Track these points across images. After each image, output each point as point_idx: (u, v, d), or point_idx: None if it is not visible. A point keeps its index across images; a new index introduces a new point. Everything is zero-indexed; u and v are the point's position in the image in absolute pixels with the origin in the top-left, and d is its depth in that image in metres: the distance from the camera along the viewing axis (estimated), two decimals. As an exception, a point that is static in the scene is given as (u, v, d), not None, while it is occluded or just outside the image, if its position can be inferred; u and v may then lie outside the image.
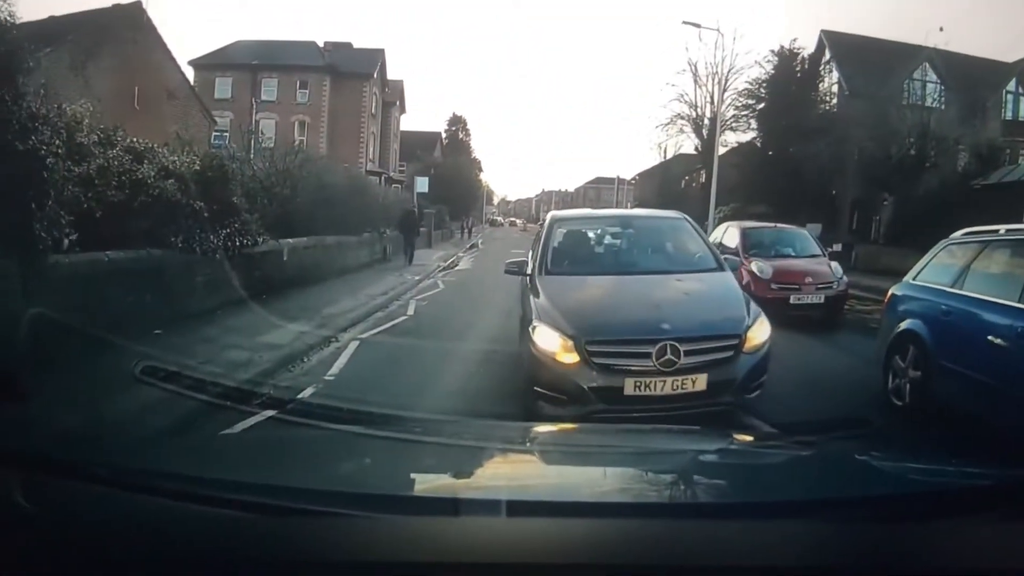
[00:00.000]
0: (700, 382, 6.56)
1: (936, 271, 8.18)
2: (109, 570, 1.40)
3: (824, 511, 1.82)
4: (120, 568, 1.41)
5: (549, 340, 6.78)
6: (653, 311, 7.03)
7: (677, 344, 6.51)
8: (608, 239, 9.52)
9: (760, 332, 7.06)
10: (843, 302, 14.53)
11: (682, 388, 6.52)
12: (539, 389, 6.75)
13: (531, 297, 7.72)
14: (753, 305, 7.43)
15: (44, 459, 1.94)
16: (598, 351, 6.59)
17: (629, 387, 6.49)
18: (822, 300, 14.02)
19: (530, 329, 7.05)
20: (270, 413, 3.95)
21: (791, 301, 13.86)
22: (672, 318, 6.82)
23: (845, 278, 14.69)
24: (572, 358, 6.62)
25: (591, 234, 9.64)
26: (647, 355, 6.49)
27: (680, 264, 8.53)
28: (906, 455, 3.13)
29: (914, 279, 8.53)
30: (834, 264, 15.04)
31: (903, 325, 8.08)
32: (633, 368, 6.53)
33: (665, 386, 6.50)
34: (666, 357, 6.47)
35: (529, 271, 8.48)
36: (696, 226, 9.57)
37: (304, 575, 1.40)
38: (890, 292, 8.91)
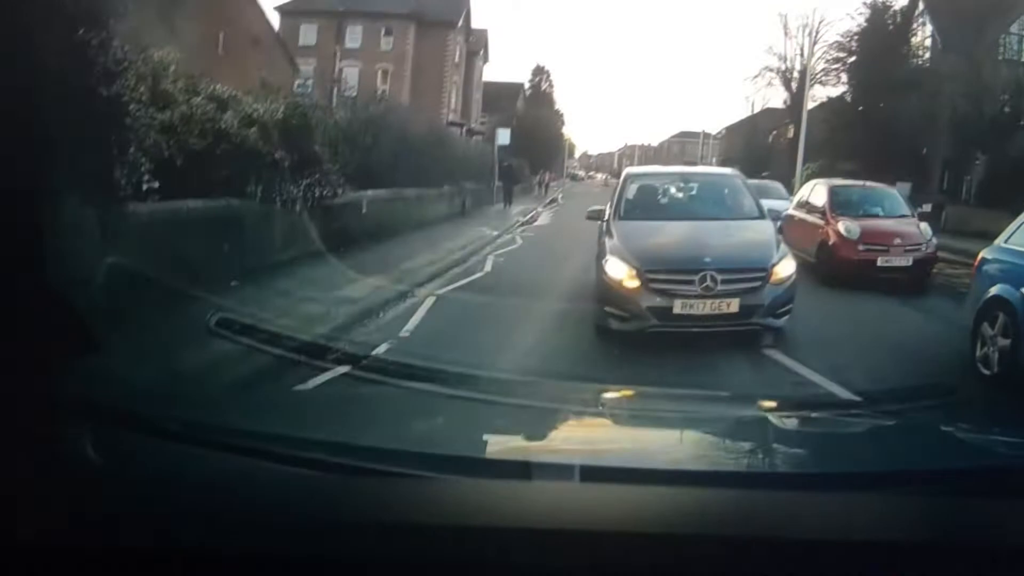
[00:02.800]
0: (733, 305, 8.43)
1: (1029, 235, 7.90)
2: (178, 525, 1.38)
3: (906, 483, 1.77)
4: (189, 523, 1.39)
5: (618, 270, 8.74)
6: (699, 248, 8.85)
7: (715, 274, 8.38)
8: (672, 191, 11.40)
9: (784, 268, 8.87)
10: (932, 265, 14.12)
11: (719, 309, 8.43)
12: (608, 309, 8.75)
13: (606, 238, 9.64)
14: (783, 247, 9.42)
15: (117, 412, 1.93)
16: (654, 278, 8.54)
17: (678, 307, 8.42)
18: (910, 263, 13.62)
19: (603, 262, 9.06)
20: (344, 369, 3.89)
21: (878, 263, 13.52)
22: (713, 254, 8.69)
23: (934, 240, 14.24)
24: (634, 283, 8.57)
25: (658, 187, 11.52)
26: (691, 282, 8.39)
27: (728, 212, 10.45)
28: (992, 426, 3.07)
29: (1006, 242, 8.29)
30: (923, 225, 14.59)
31: (993, 291, 7.87)
32: (680, 292, 8.43)
33: (705, 307, 8.41)
34: (706, 284, 8.35)
35: (606, 217, 10.42)
36: (746, 181, 11.66)
37: (373, 536, 1.37)
38: (980, 256, 8.66)
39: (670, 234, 9.51)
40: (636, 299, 8.52)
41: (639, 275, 8.55)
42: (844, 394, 6.17)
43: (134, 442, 1.85)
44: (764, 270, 8.68)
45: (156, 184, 8.50)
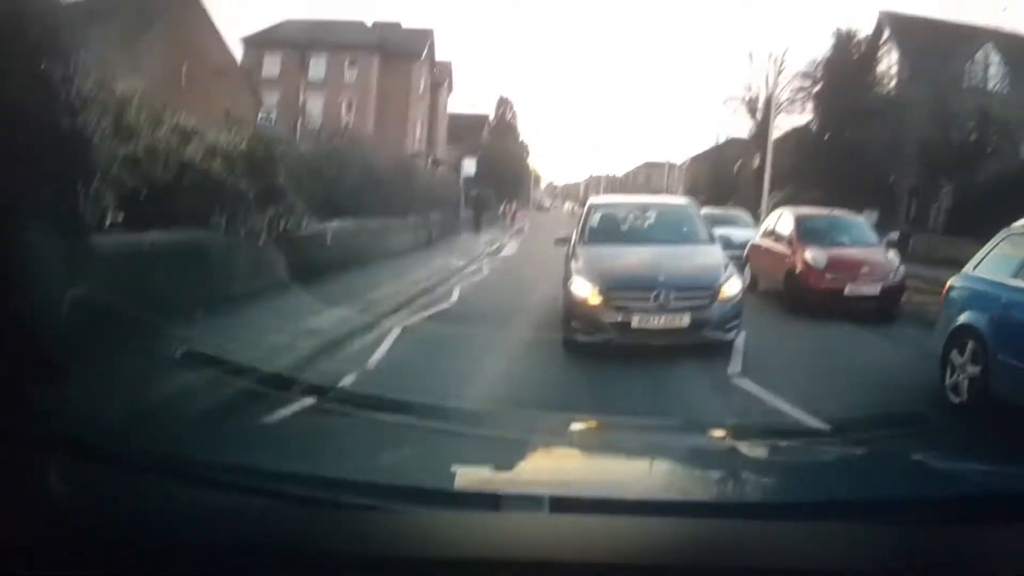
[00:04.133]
0: (685, 319, 9.50)
1: (997, 262, 8.05)
2: (143, 557, 1.39)
3: (876, 512, 1.77)
4: (155, 555, 1.39)
5: (582, 288, 9.82)
6: (654, 269, 9.92)
7: (669, 292, 9.48)
8: (631, 219, 12.31)
9: (731, 287, 9.96)
10: (900, 293, 14.23)
11: (672, 324, 9.48)
12: (574, 324, 9.81)
13: (572, 261, 10.77)
14: (731, 267, 10.50)
15: (82, 444, 1.92)
16: (614, 295, 9.61)
17: (635, 321, 9.47)
18: (878, 291, 13.76)
19: (569, 282, 10.14)
20: (311, 401, 3.87)
21: (846, 292, 13.65)
22: (666, 274, 9.75)
23: (902, 268, 14.38)
24: (597, 300, 9.62)
25: (619, 215, 12.57)
26: (647, 299, 9.48)
27: (681, 238, 11.62)
28: (963, 455, 3.11)
29: (973, 270, 8.40)
30: (891, 253, 14.74)
31: (961, 318, 7.95)
32: (638, 308, 9.48)
33: (660, 321, 9.47)
34: (660, 301, 9.45)
35: (572, 242, 11.63)
36: (697, 210, 13.33)
37: (341, 568, 1.38)
38: (948, 284, 8.75)
39: (629, 257, 10.66)
40: (599, 315, 9.58)
41: (601, 293, 9.64)
42: (813, 422, 6.20)
43: (99, 474, 1.84)
44: (712, 289, 9.81)
45: (120, 216, 8.46)
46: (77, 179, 7.36)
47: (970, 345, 7.66)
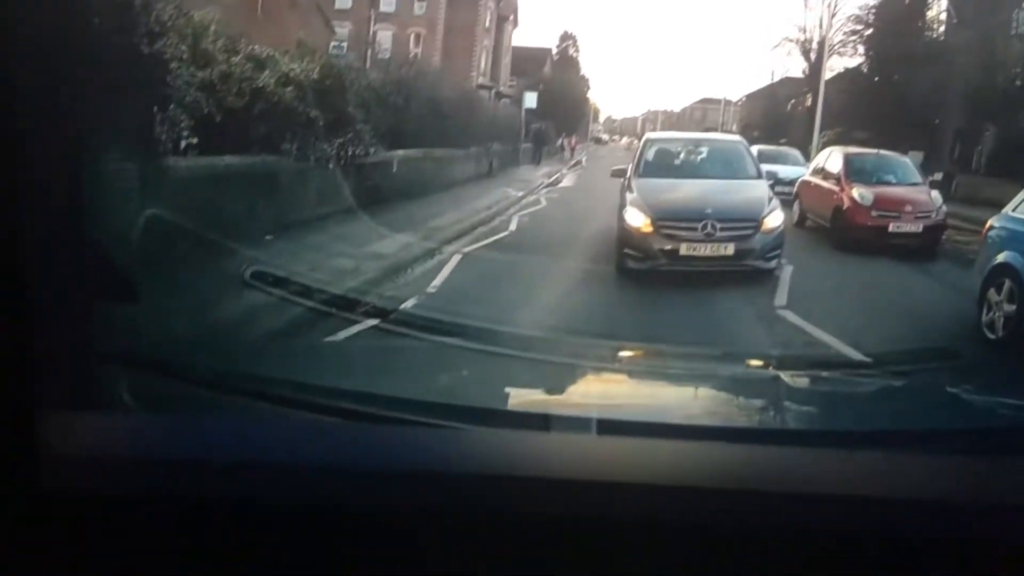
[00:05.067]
0: (730, 248, 9.72)
1: (1036, 204, 7.85)
2: (210, 471, 1.36)
3: (912, 442, 1.79)
4: (221, 469, 1.37)
5: (636, 217, 10.06)
6: (702, 202, 10.13)
7: (715, 222, 9.66)
8: (684, 154, 12.62)
9: (773, 219, 10.18)
10: (941, 232, 13.89)
11: (718, 252, 9.72)
12: (626, 250, 10.05)
13: (626, 192, 10.99)
14: (774, 201, 10.70)
15: (152, 360, 1.97)
16: (664, 225, 9.84)
17: (683, 249, 9.71)
18: (921, 229, 13.43)
19: (623, 211, 10.36)
20: (373, 322, 3.85)
21: (890, 229, 13.31)
22: (714, 206, 9.97)
23: (944, 208, 14.04)
24: (649, 229, 9.86)
25: (673, 150, 12.81)
26: (695, 228, 9.68)
27: (730, 172, 11.69)
28: (996, 389, 3.00)
29: (1014, 211, 8.22)
30: (934, 193, 14.41)
31: (1000, 257, 7.82)
32: (686, 237, 9.71)
33: (707, 249, 9.70)
34: (707, 231, 9.63)
35: (628, 175, 11.70)
36: (747, 147, 13.19)
37: (398, 482, 1.35)
38: (988, 223, 8.57)
39: (680, 189, 10.84)
40: (650, 242, 9.81)
41: (653, 222, 9.85)
42: (854, 354, 6.11)
43: (169, 388, 1.88)
44: (756, 221, 10.00)
45: (195, 140, 8.48)
46: (154, 103, 7.35)
47: (1007, 284, 7.54)
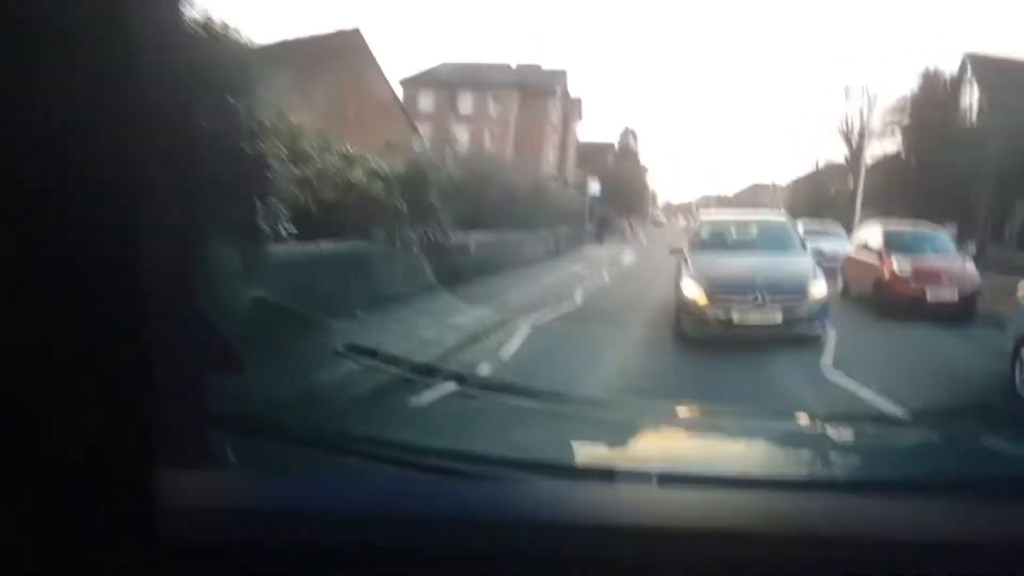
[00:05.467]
0: (778, 315, 9.81)
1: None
2: (305, 522, 1.38)
3: (950, 489, 1.74)
4: (316, 521, 1.39)
5: (692, 289, 10.17)
6: (752, 274, 10.16)
7: (765, 292, 9.75)
8: (735, 232, 12.80)
9: (818, 289, 10.28)
10: (976, 298, 13.64)
11: (767, 319, 9.79)
12: (683, 318, 10.19)
13: (683, 266, 11.03)
14: (818, 272, 10.71)
15: (255, 422, 1.98)
16: (718, 296, 9.92)
17: (736, 317, 9.82)
18: (957, 297, 13.29)
19: (680, 283, 10.51)
20: (453, 387, 3.89)
21: (928, 297, 13.21)
22: (763, 277, 9.99)
23: (978, 276, 13.91)
24: (704, 300, 9.95)
25: (725, 228, 13.03)
26: (746, 299, 9.77)
27: (777, 247, 11.73)
28: None
29: (1045, 278, 8.00)
30: (969, 263, 14.26)
31: (1030, 321, 7.63)
32: (738, 305, 9.80)
33: (756, 317, 9.79)
34: (756, 300, 9.72)
35: (684, 251, 11.73)
36: (792, 224, 13.66)
37: (479, 530, 1.37)
38: (1020, 288, 8.46)
39: (732, 263, 10.97)
40: (705, 311, 9.92)
41: (707, 293, 9.96)
42: (894, 410, 6.07)
43: (269, 448, 1.89)
44: (802, 290, 10.15)
45: (293, 229, 8.66)
46: (256, 197, 7.56)
47: None
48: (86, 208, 1.24)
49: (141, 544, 1.27)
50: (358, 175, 10.92)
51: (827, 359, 9.06)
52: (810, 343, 9.78)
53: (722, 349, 9.51)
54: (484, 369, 7.86)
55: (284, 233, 8.48)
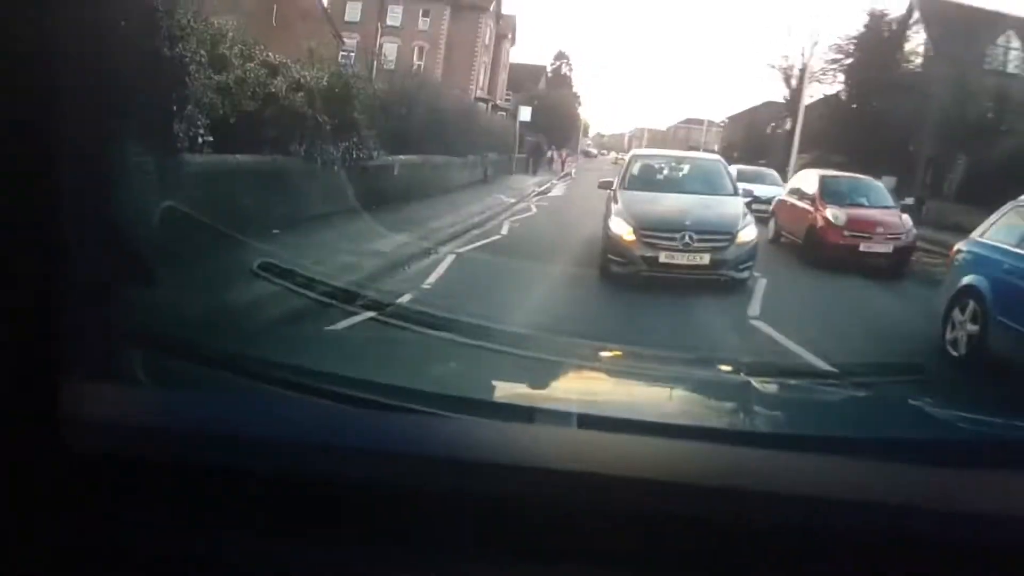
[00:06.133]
0: (705, 258, 9.87)
1: (1002, 231, 7.86)
2: (209, 443, 1.41)
3: (874, 450, 1.76)
4: (222, 444, 1.41)
5: (620, 227, 10.19)
6: (681, 214, 10.25)
7: (693, 234, 9.81)
8: (667, 170, 12.86)
9: (747, 233, 10.29)
10: (910, 253, 13.91)
11: (694, 261, 9.85)
12: (611, 256, 10.19)
13: (612, 203, 11.10)
14: (748, 217, 10.74)
15: (165, 340, 1.95)
16: (646, 235, 9.96)
17: (663, 257, 9.86)
18: (891, 250, 13.45)
19: (609, 221, 10.49)
20: (371, 314, 3.76)
21: (861, 248, 13.33)
22: (691, 219, 10.08)
23: (914, 230, 14.08)
24: (631, 238, 9.99)
25: (656, 166, 13.03)
26: (674, 239, 9.82)
27: (709, 188, 11.75)
28: (957, 404, 2.95)
29: (980, 236, 8.19)
30: (905, 216, 14.37)
31: (965, 280, 7.78)
32: (665, 246, 9.85)
33: (684, 258, 9.85)
34: (685, 241, 9.79)
35: (614, 187, 11.82)
36: (726, 165, 13.28)
37: (385, 464, 1.38)
38: (955, 247, 8.58)
39: (662, 202, 11.01)
40: (632, 250, 9.98)
41: (635, 232, 10.00)
42: (821, 364, 5.96)
43: (180, 368, 1.87)
44: (731, 234, 10.12)
45: (210, 139, 8.48)
46: (173, 103, 7.38)
47: (971, 305, 7.52)
48: None
49: (48, 453, 1.30)
50: (280, 85, 10.69)
51: (754, 307, 9.20)
52: (737, 289, 9.97)
53: (647, 292, 9.56)
54: (404, 298, 7.70)
55: (201, 142, 8.31)
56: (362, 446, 1.42)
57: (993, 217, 8.21)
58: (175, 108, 7.43)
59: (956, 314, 7.73)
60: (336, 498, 1.34)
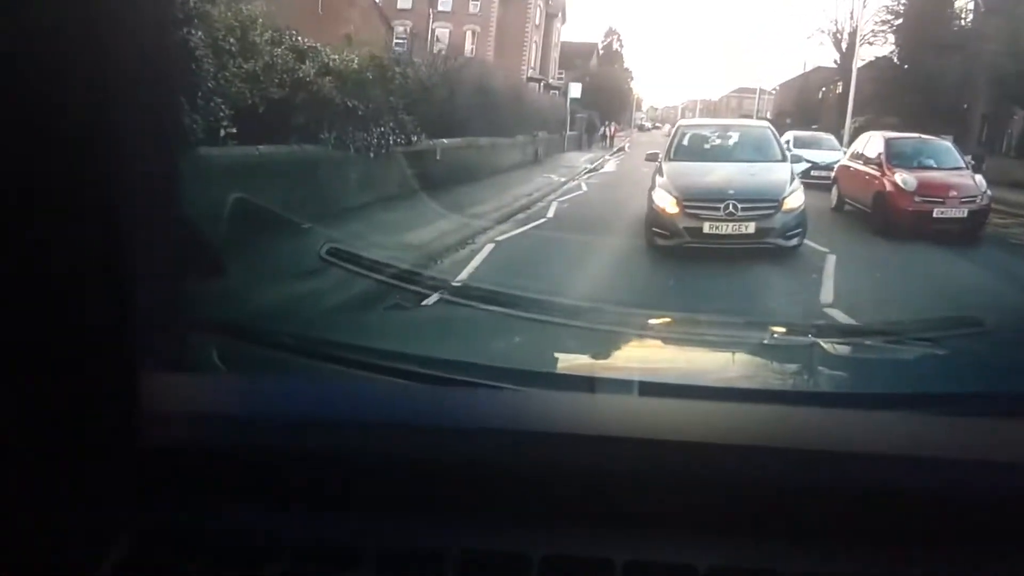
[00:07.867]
0: (750, 227, 9.59)
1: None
2: (282, 426, 1.38)
3: (937, 404, 1.78)
4: (297, 425, 1.38)
5: (663, 199, 10.02)
6: (726, 183, 10.03)
7: (736, 202, 9.56)
8: (714, 139, 12.42)
9: (794, 199, 9.94)
10: (986, 216, 12.89)
11: (739, 230, 9.60)
12: (654, 229, 10.06)
13: (657, 175, 10.85)
14: (796, 182, 10.42)
15: (239, 327, 2.07)
16: (689, 205, 9.77)
17: (706, 228, 9.62)
18: (966, 214, 12.46)
19: (652, 193, 10.34)
20: (436, 296, 3.87)
21: (934, 215, 12.38)
22: (735, 187, 9.88)
23: (989, 192, 13.01)
24: (675, 209, 9.82)
25: (704, 135, 12.60)
26: (717, 208, 9.57)
27: (757, 156, 11.45)
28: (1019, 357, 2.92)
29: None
30: (979, 178, 13.31)
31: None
32: (709, 216, 9.61)
33: (728, 228, 9.59)
34: (728, 210, 9.53)
35: (660, 158, 11.69)
36: (774, 131, 12.79)
37: (456, 438, 1.36)
38: None
39: (707, 172, 10.74)
40: (676, 221, 9.82)
41: (678, 203, 9.84)
42: (882, 324, 5.45)
43: (253, 353, 1.98)
44: (776, 201, 9.85)
45: (233, 130, 8.04)
46: (178, 93, 6.87)
47: None
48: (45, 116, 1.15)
49: (126, 449, 1.29)
50: (307, 70, 10.22)
51: (827, 293, 8.11)
52: (804, 267, 9.42)
53: (704, 277, 8.96)
54: (462, 277, 7.93)
55: (223, 135, 7.85)
56: (429, 422, 1.42)
57: None
58: (182, 99, 6.94)
59: None
60: (406, 474, 1.33)
